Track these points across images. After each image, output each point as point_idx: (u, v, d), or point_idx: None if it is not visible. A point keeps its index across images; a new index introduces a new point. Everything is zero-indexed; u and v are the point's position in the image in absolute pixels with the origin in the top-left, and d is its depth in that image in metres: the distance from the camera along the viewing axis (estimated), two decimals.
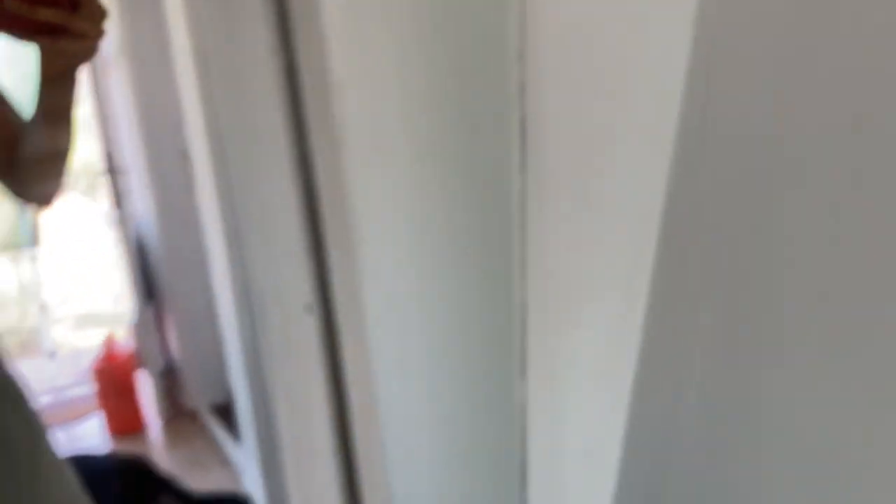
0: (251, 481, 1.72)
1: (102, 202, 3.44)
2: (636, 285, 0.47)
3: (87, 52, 0.64)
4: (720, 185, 0.41)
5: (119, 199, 2.15)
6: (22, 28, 0.60)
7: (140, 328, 2.34)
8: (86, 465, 1.46)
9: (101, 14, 0.63)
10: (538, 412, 0.63)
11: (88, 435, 2.26)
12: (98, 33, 0.63)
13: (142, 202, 2.21)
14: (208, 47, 1.38)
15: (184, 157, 1.99)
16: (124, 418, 2.26)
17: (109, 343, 2.28)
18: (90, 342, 2.88)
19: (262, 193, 1.43)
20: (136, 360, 2.31)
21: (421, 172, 0.71)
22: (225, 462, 1.98)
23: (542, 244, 0.60)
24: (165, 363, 2.34)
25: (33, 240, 3.70)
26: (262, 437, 1.54)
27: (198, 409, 2.24)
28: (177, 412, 2.29)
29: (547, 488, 0.62)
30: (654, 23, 0.44)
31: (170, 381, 2.32)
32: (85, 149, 2.48)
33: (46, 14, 0.59)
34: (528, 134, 0.56)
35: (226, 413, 2.12)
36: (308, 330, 1.44)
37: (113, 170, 2.11)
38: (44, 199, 0.79)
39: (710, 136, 0.42)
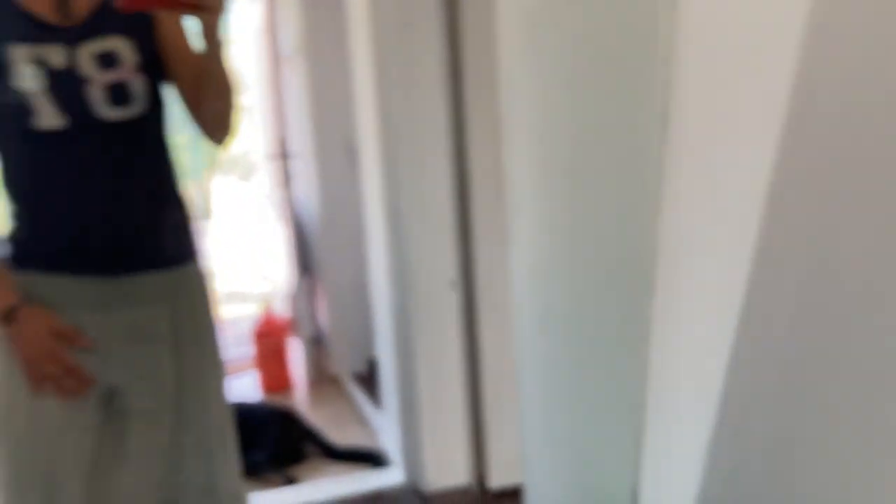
0: (387, 441, 1.90)
1: (261, 185, 3.79)
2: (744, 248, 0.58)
3: (215, 21, 0.93)
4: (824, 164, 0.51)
5: (285, 181, 2.40)
6: (170, 6, 0.93)
7: (295, 299, 2.60)
8: (244, 410, 1.70)
9: None
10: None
11: (244, 389, 2.53)
12: (219, 8, 0.92)
13: (304, 185, 2.45)
14: (385, 52, 1.56)
15: (348, 145, 2.22)
16: (276, 378, 2.52)
17: (268, 311, 2.56)
18: (246, 312, 3.19)
19: (422, 181, 1.59)
20: (290, 328, 2.57)
21: (573, 165, 0.83)
22: (362, 423, 2.17)
23: (676, 223, 0.70)
24: (315, 332, 2.58)
25: (206, 213, 4.11)
26: (403, 399, 1.71)
27: (340, 375, 2.46)
28: (321, 376, 2.52)
29: (663, 425, 0.72)
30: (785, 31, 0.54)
31: (317, 348, 2.56)
32: (245, 138, 2.76)
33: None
34: (669, 126, 0.67)
35: (365, 380, 2.32)
36: (450, 304, 1.60)
37: (282, 155, 2.37)
38: (220, 135, 1.07)
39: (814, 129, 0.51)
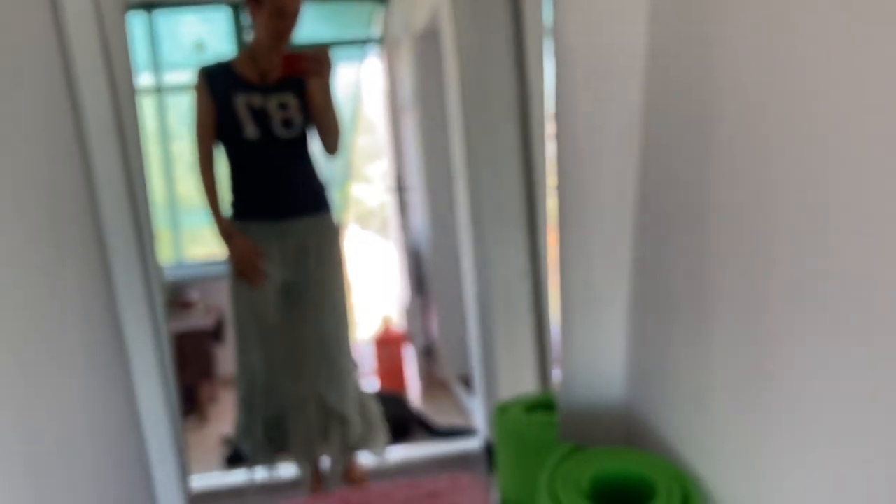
0: (477, 417, 2.21)
1: (383, 217, 4.29)
2: None
3: (326, 82, 1.81)
4: None
5: (402, 210, 2.83)
6: (302, 73, 1.78)
7: (410, 314, 2.99)
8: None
9: (329, 64, 1.78)
10: None
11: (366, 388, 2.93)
12: (327, 77, 1.79)
13: (419, 213, 2.87)
14: (469, 102, 1.97)
15: (450, 177, 2.62)
16: (393, 381, 2.90)
17: (387, 325, 2.97)
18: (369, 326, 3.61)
19: (498, 194, 1.95)
20: (406, 338, 2.96)
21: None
22: (463, 414, 2.50)
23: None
24: (426, 342, 2.95)
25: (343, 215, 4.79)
26: (485, 372, 2.03)
27: (447, 379, 2.81)
28: (432, 381, 2.88)
29: None
30: None
31: (428, 356, 2.93)
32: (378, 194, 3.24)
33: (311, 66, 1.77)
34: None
35: (466, 381, 2.66)
36: (522, 290, 1.93)
37: (400, 188, 2.80)
38: (331, 149, 1.90)
39: None
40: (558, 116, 1.03)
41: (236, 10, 2.73)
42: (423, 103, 2.69)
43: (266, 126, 1.82)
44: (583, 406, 1.15)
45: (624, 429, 1.12)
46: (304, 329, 1.94)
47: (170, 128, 2.84)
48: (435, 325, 2.90)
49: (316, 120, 1.85)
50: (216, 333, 2.78)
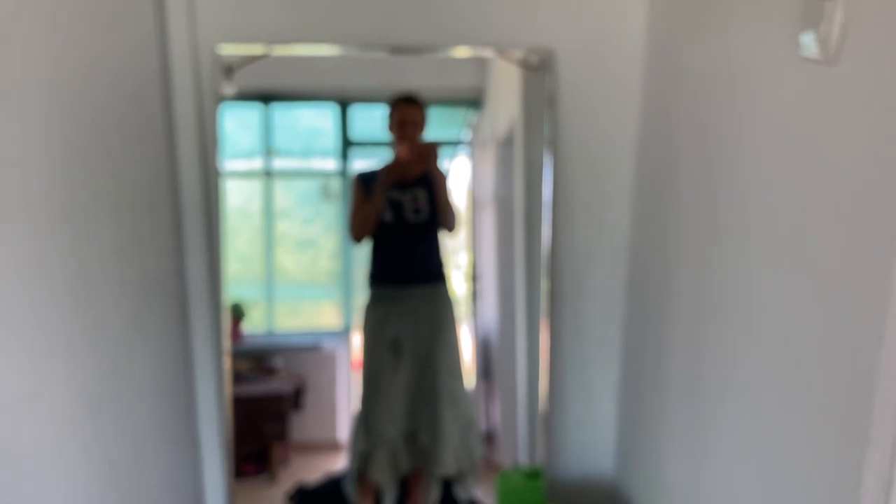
0: None
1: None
2: None
3: (434, 167, 2.45)
4: None
5: (474, 298, 3.00)
6: (418, 161, 2.36)
7: (475, 398, 3.11)
8: None
9: (435, 155, 2.44)
10: None
11: None
12: (435, 162, 2.45)
13: (490, 303, 3.03)
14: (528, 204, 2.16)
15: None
16: None
17: None
18: None
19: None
20: None
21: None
22: None
23: None
24: (489, 427, 3.05)
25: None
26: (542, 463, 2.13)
27: (504, 465, 2.89)
28: (490, 466, 2.95)
29: None
30: None
31: (489, 442, 3.02)
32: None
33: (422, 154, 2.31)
34: None
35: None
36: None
37: (475, 276, 2.98)
38: (450, 228, 2.59)
39: None
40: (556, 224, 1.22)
41: (343, 106, 3.07)
42: (500, 201, 2.90)
43: (399, 213, 2.51)
44: (572, 477, 1.27)
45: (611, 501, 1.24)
46: (407, 376, 2.53)
47: (275, 208, 3.16)
48: (497, 412, 3.00)
49: (438, 207, 2.51)
50: (295, 400, 3.00)
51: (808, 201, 1.36)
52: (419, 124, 2.47)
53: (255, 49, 2.44)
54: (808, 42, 1.34)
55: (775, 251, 1.47)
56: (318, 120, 3.16)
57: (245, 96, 2.61)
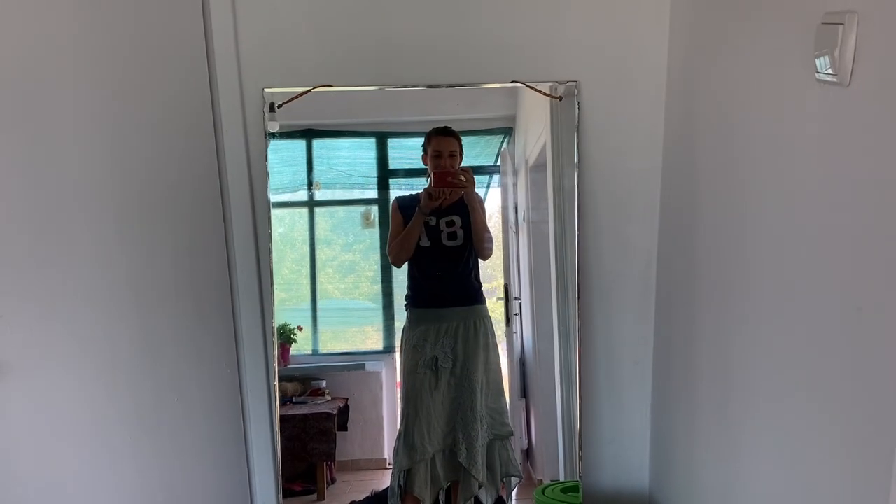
0: None
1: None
2: None
3: (470, 194, 2.58)
4: None
5: (508, 320, 3.10)
6: (451, 186, 2.52)
7: (515, 415, 3.20)
8: None
9: (471, 179, 2.59)
10: None
11: None
12: (472, 186, 2.59)
13: (524, 322, 3.12)
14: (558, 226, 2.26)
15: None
16: None
17: None
18: None
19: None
20: None
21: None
22: None
23: None
24: (526, 445, 3.13)
25: None
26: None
27: (542, 481, 2.96)
28: (528, 481, 3.04)
29: None
30: None
31: (527, 458, 3.10)
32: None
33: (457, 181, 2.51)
34: None
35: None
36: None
37: (509, 297, 3.08)
38: (485, 255, 2.71)
39: None
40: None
41: (381, 138, 3.20)
42: (532, 224, 3.00)
43: (436, 238, 2.65)
44: (608, 490, 1.36)
45: None
46: (446, 395, 2.67)
47: (317, 236, 3.29)
48: (534, 429, 3.08)
49: (474, 232, 2.64)
50: (341, 420, 3.12)
51: (825, 219, 1.43)
52: (455, 155, 2.61)
53: (298, 90, 2.60)
54: (824, 64, 1.40)
55: (795, 267, 1.54)
56: (358, 151, 3.30)
57: (288, 132, 2.77)
